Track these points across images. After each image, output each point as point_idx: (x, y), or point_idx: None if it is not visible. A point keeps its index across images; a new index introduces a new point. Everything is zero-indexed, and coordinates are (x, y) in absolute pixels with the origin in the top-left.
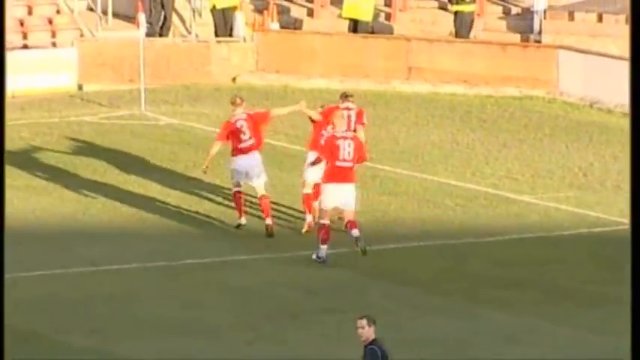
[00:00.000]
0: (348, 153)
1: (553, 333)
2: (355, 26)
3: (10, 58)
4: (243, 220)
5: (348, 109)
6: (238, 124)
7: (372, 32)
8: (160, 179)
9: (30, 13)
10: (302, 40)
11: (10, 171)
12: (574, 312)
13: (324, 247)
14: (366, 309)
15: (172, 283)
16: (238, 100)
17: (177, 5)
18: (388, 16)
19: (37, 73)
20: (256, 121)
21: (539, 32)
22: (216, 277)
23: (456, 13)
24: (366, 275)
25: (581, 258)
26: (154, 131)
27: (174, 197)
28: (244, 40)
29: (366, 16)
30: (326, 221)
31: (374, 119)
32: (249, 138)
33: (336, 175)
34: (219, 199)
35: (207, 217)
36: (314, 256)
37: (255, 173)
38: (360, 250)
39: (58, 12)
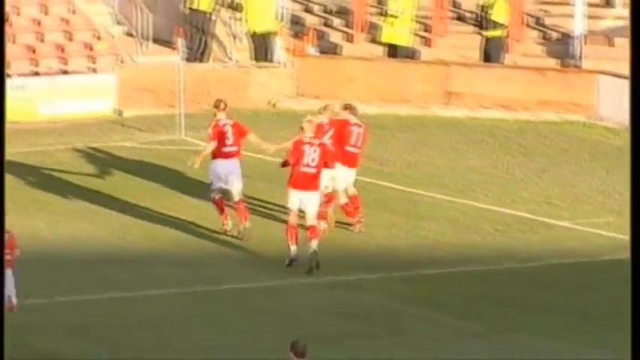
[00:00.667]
0: (312, 159)
1: (591, 359)
2: (394, 51)
3: (50, 83)
4: (229, 226)
5: (358, 126)
6: (225, 128)
7: (411, 57)
8: (197, 204)
9: (70, 39)
10: (340, 65)
11: (48, 196)
12: (613, 338)
13: (294, 248)
14: (401, 333)
15: (209, 308)
16: (222, 105)
17: (216, 30)
18: (427, 41)
19: (77, 99)
20: (239, 131)
21: (579, 57)
22: (252, 302)
23: (486, 38)
24: (403, 300)
25: (621, 284)
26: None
27: (211, 222)
28: (283, 65)
29: (404, 41)
30: (293, 221)
31: (412, 144)
32: (232, 144)
33: (299, 180)
34: (255, 224)
35: (245, 243)
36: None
37: (233, 179)
38: (310, 266)
39: (97, 38)
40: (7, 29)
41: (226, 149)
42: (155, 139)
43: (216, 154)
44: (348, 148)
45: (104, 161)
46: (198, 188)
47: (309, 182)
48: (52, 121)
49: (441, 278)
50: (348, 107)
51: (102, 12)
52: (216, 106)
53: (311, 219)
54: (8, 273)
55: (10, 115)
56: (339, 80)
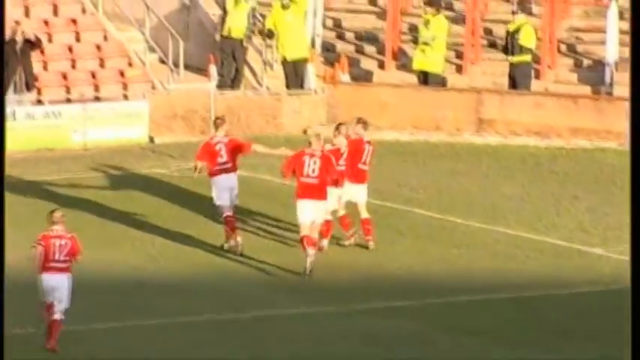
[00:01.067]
0: (313, 170)
1: None
2: (425, 78)
3: (82, 110)
4: (232, 242)
5: (369, 143)
6: (217, 147)
7: (443, 84)
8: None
9: (102, 65)
10: (372, 92)
11: (80, 223)
12: None
13: (309, 260)
14: None
15: (241, 334)
16: (219, 122)
17: (248, 57)
18: (459, 68)
19: (109, 126)
20: (235, 147)
21: (611, 84)
22: (284, 329)
23: (513, 64)
24: (437, 326)
25: None
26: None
27: (244, 248)
28: (315, 92)
29: (436, 68)
30: (305, 233)
31: (444, 171)
32: (226, 162)
33: (302, 191)
34: (287, 250)
35: (277, 268)
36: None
37: (234, 194)
38: (304, 272)
39: (130, 64)
40: (40, 56)
41: (218, 167)
42: (187, 165)
43: (214, 172)
44: (360, 166)
45: (136, 188)
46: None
47: (312, 192)
48: (85, 148)
49: (473, 305)
50: (361, 121)
51: (134, 39)
52: (214, 123)
53: (317, 226)
54: (63, 277)
55: (43, 142)
56: (371, 107)
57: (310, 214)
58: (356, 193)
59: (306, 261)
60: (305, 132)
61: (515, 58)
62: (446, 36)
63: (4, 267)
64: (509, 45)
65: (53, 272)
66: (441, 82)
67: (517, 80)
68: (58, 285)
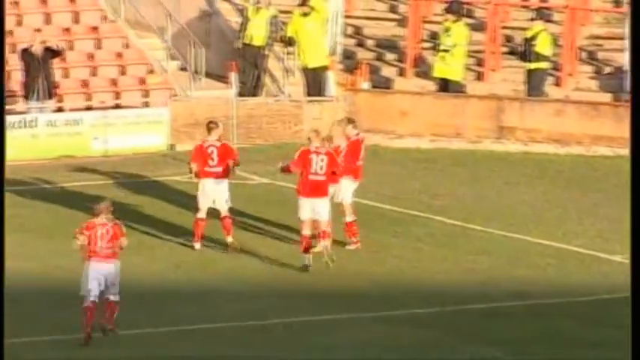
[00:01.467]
0: (321, 167)
1: None
2: (446, 86)
3: (103, 117)
4: (198, 246)
5: (362, 141)
6: (209, 150)
7: (463, 92)
8: (251, 238)
9: (123, 73)
10: (392, 100)
11: None
12: None
13: (307, 256)
14: None
15: (263, 342)
16: (212, 125)
17: (269, 65)
18: (479, 76)
19: (130, 133)
20: (226, 152)
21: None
22: (306, 337)
23: (530, 70)
24: (457, 334)
25: None
26: (244, 191)
27: (264, 256)
28: (335, 99)
29: (456, 75)
30: (307, 232)
31: (465, 178)
32: (216, 165)
33: (308, 188)
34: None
35: (298, 275)
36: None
37: (222, 199)
38: (327, 261)
39: (150, 72)
40: (61, 64)
41: (209, 169)
42: None
43: (202, 174)
44: (358, 163)
45: (157, 195)
46: (252, 222)
47: (318, 189)
48: (105, 155)
49: (493, 313)
50: (351, 121)
51: (155, 46)
52: (207, 126)
53: (324, 224)
54: (110, 264)
55: (63, 149)
56: (391, 114)
57: (314, 211)
58: (351, 189)
59: (325, 249)
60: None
61: (532, 65)
62: (466, 43)
63: (4, 267)
64: (526, 52)
65: (100, 259)
66: (461, 90)
67: (531, 87)
68: (106, 271)
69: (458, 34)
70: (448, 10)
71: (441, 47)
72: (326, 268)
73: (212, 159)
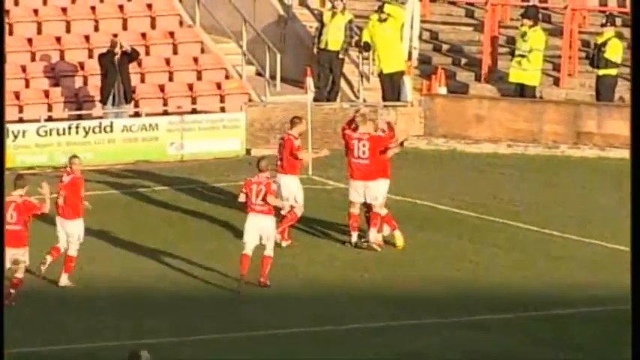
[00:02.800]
0: (363, 152)
1: None
2: (522, 91)
3: (179, 122)
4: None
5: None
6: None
7: (540, 97)
8: (327, 243)
9: (199, 78)
10: (469, 105)
11: (177, 236)
12: None
13: (354, 234)
14: None
15: (339, 347)
16: (296, 120)
17: (345, 70)
18: (556, 81)
19: (206, 138)
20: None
21: None
22: (382, 342)
23: (598, 77)
24: (532, 340)
25: None
26: (321, 195)
27: (341, 261)
28: (411, 104)
29: (532, 80)
30: (355, 210)
31: (542, 184)
32: (280, 159)
33: (354, 172)
34: (384, 263)
35: (373, 281)
36: (348, 244)
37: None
38: (367, 245)
39: (226, 77)
40: (138, 69)
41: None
42: None
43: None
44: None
45: (233, 200)
46: (328, 227)
47: (365, 173)
48: (181, 160)
49: (572, 318)
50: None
51: (231, 51)
52: (290, 122)
53: (375, 206)
54: (265, 218)
55: (140, 154)
56: (468, 119)
57: (363, 193)
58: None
59: (352, 236)
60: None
61: (600, 72)
62: (543, 48)
63: (4, 267)
64: (596, 58)
65: (256, 213)
66: (537, 95)
67: (600, 93)
68: (260, 225)
69: (534, 39)
70: (525, 15)
71: (517, 52)
72: (396, 272)
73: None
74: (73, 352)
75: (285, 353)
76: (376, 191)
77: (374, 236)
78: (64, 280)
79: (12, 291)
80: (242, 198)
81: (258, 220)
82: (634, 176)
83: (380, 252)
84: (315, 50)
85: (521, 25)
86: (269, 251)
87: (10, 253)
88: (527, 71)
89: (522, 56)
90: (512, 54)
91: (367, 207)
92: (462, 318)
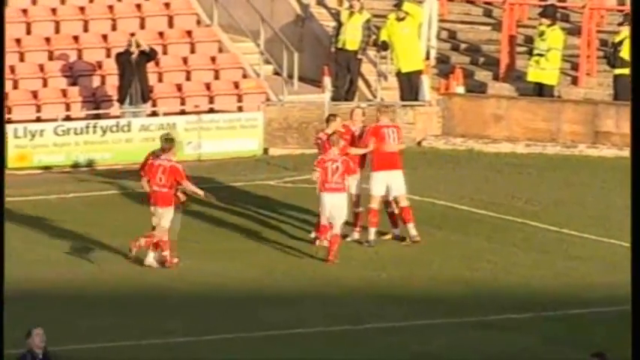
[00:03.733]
0: (394, 139)
1: None
2: (540, 90)
3: (197, 121)
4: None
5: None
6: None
7: (558, 96)
8: (344, 242)
9: (217, 77)
10: (487, 104)
11: (194, 235)
12: None
13: (373, 230)
14: None
15: (357, 346)
16: (331, 117)
17: (362, 69)
18: (574, 80)
19: (223, 137)
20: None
21: None
22: (398, 342)
23: (615, 76)
24: (551, 340)
25: None
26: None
27: (358, 260)
28: (429, 103)
29: (551, 80)
30: (375, 206)
31: (560, 183)
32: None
33: (384, 161)
34: (401, 262)
35: (390, 280)
36: (365, 242)
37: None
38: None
39: (244, 76)
40: (155, 68)
41: None
42: (301, 177)
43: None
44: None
45: (250, 200)
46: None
47: (395, 161)
48: (199, 160)
49: (590, 318)
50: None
51: (249, 50)
52: (326, 120)
53: (403, 200)
54: (340, 196)
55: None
56: (486, 119)
57: (389, 187)
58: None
59: (370, 232)
60: (419, 144)
61: (617, 71)
62: (561, 47)
63: (4, 267)
64: (612, 57)
65: (331, 192)
66: (555, 94)
67: (617, 92)
68: (335, 202)
69: (553, 38)
70: (543, 14)
71: (536, 51)
72: (413, 272)
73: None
74: (84, 352)
75: (301, 353)
76: (401, 180)
77: (414, 232)
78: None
79: (140, 242)
80: (315, 177)
81: (332, 198)
82: (634, 176)
83: (397, 251)
84: (332, 50)
85: (540, 24)
86: (337, 229)
87: (156, 211)
88: (545, 70)
89: (540, 55)
90: (530, 53)
91: (386, 204)
92: (479, 318)
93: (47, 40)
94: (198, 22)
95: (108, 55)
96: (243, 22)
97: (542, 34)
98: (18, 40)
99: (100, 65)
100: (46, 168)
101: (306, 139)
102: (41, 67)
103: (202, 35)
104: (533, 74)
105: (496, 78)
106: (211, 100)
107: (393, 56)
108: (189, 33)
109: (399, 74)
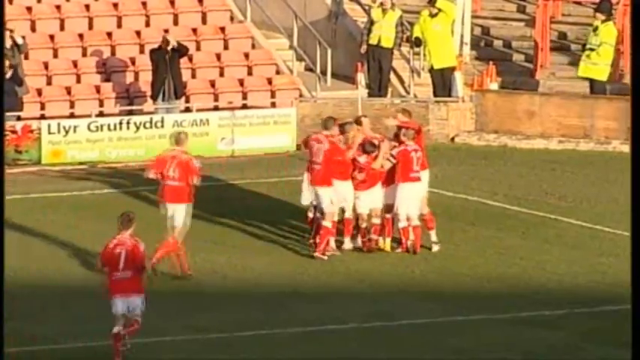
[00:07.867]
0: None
1: None
2: (591, 85)
3: (230, 117)
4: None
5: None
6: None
7: (604, 92)
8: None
9: (250, 73)
10: (521, 100)
11: (227, 231)
12: None
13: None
14: None
15: (391, 343)
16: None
17: (395, 65)
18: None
19: (257, 133)
20: None
21: None
22: (432, 339)
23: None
24: (584, 337)
25: None
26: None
27: (392, 257)
28: (463, 100)
29: (601, 75)
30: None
31: (593, 179)
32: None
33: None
34: (435, 259)
35: (424, 276)
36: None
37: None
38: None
39: (277, 72)
40: (189, 64)
41: None
42: None
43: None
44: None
45: (283, 196)
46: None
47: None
48: (232, 156)
49: (621, 315)
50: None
51: (282, 47)
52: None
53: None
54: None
55: (191, 149)
56: (519, 115)
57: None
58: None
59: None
60: (452, 140)
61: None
62: (614, 43)
63: (4, 267)
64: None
65: (413, 182)
66: (604, 90)
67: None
68: (417, 191)
69: (605, 33)
70: (598, 10)
71: (588, 46)
72: (447, 268)
73: None
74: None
75: (335, 350)
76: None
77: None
78: None
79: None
80: (387, 166)
81: (415, 187)
82: (634, 176)
83: (430, 251)
84: (363, 47)
85: (594, 20)
86: (417, 221)
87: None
88: (597, 65)
89: (592, 50)
90: (562, 49)
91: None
92: (512, 314)
93: (81, 36)
94: (232, 19)
95: (141, 52)
96: (276, 18)
97: (595, 29)
98: (52, 37)
99: (133, 61)
100: (80, 164)
101: None
102: (75, 64)
103: (236, 31)
104: (584, 69)
105: (530, 74)
106: (244, 96)
107: (425, 52)
108: (222, 29)
109: (431, 70)
